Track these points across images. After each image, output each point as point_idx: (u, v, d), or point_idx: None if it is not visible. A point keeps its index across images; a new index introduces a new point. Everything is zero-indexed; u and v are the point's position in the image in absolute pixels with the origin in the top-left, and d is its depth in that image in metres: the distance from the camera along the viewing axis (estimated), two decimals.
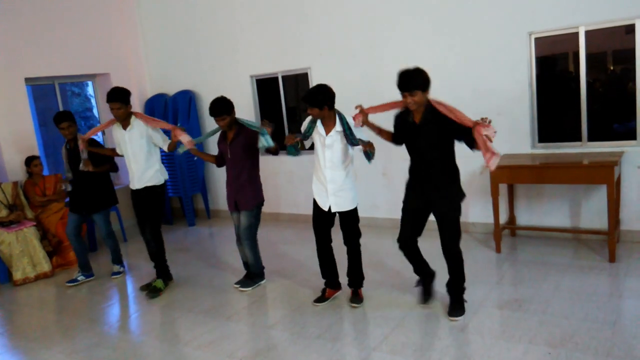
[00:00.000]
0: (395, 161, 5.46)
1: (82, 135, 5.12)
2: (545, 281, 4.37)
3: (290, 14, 6.64)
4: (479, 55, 5.46)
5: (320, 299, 4.37)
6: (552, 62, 5.45)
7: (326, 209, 4.13)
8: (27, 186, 6.26)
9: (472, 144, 3.51)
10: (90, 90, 8.64)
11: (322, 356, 3.57)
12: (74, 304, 5.11)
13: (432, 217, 3.85)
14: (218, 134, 4.83)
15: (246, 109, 7.25)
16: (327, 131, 4.02)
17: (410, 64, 5.83)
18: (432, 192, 3.72)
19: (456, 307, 3.88)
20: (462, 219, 5.87)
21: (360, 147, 3.90)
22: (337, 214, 4.17)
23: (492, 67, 5.42)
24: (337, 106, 6.40)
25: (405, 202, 3.89)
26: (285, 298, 4.64)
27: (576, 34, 5.02)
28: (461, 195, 3.79)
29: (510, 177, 5.09)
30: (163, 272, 5.18)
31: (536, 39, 5.23)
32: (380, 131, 3.99)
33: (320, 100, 3.91)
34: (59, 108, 7.15)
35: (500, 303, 4.05)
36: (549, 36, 5.19)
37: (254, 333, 4.05)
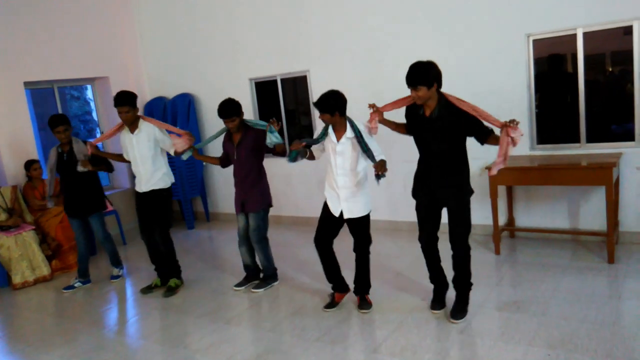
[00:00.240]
0: (395, 162, 5.46)
1: (91, 142, 5.15)
2: (544, 283, 4.37)
3: (289, 17, 6.65)
4: (478, 57, 5.47)
5: (331, 305, 4.32)
6: (551, 63, 5.46)
7: (337, 215, 4.09)
8: (26, 190, 6.26)
9: (483, 139, 3.53)
10: (89, 93, 8.64)
11: (322, 359, 3.56)
12: (73, 308, 5.10)
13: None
14: (223, 136, 4.82)
15: (245, 112, 7.23)
16: (338, 138, 3.99)
17: (407, 66, 5.89)
18: (438, 185, 3.70)
19: (459, 308, 3.86)
20: None
21: (371, 163, 3.85)
22: (347, 220, 4.10)
23: (491, 69, 5.43)
24: None
25: (415, 198, 3.90)
26: (285, 301, 4.64)
27: (574, 36, 5.03)
28: (468, 189, 3.76)
29: (509, 178, 5.10)
30: (176, 271, 5.22)
31: (534, 41, 5.24)
32: (396, 126, 4.01)
33: (331, 106, 3.88)
34: (58, 112, 7.15)
35: (500, 305, 4.05)
36: (547, 38, 5.20)
37: (254, 336, 4.05)
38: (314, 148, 4.16)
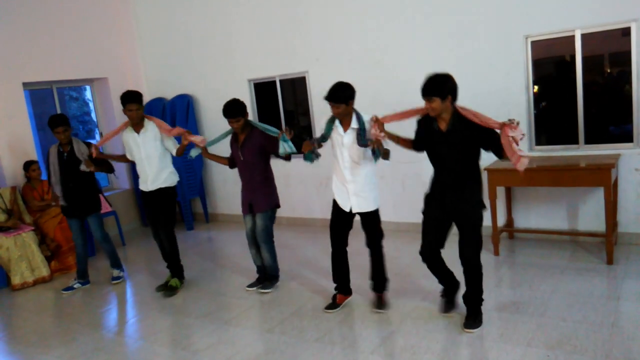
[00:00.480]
0: (394, 164, 5.46)
1: (95, 144, 5.16)
2: (543, 283, 4.38)
3: (287, 18, 6.66)
4: (476, 58, 5.48)
5: (332, 306, 4.31)
6: (549, 65, 5.47)
7: (347, 210, 4.08)
8: (25, 191, 6.26)
9: (500, 152, 3.43)
10: (88, 94, 8.64)
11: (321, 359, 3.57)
12: (72, 309, 5.10)
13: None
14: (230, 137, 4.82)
15: None
16: (345, 129, 3.98)
17: (407, 68, 5.91)
18: (453, 201, 3.62)
19: (472, 319, 3.75)
20: None
21: (369, 146, 3.83)
22: (358, 215, 4.10)
23: (489, 71, 5.44)
24: None
25: (425, 212, 3.79)
26: (284, 302, 4.64)
27: (572, 37, 5.04)
28: (482, 204, 3.65)
29: (508, 180, 5.11)
30: (178, 271, 5.23)
31: (533, 42, 5.25)
32: (398, 140, 3.89)
33: (346, 96, 3.88)
34: (57, 112, 7.15)
35: (499, 306, 4.05)
36: (546, 39, 5.21)
37: (252, 337, 4.05)
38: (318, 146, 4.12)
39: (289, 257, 5.78)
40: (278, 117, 7.00)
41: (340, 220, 4.15)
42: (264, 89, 7.15)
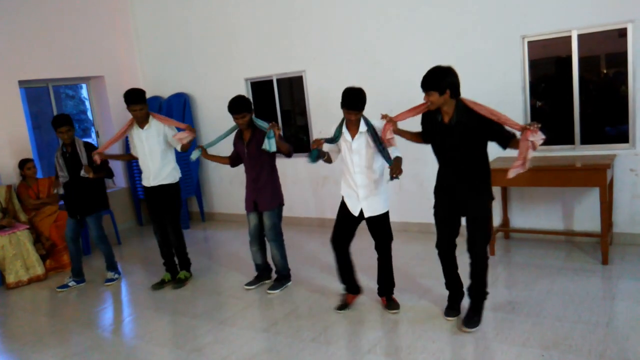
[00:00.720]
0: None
1: (99, 149, 5.16)
2: (538, 283, 4.39)
3: (284, 17, 6.65)
4: (474, 58, 5.48)
5: (343, 306, 4.27)
6: (545, 65, 5.48)
7: (357, 214, 4.04)
8: (20, 189, 6.23)
9: (505, 143, 3.43)
10: (84, 92, 8.60)
11: (317, 359, 3.56)
12: (67, 308, 5.09)
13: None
14: (233, 135, 4.80)
15: None
16: (353, 135, 3.94)
17: (405, 68, 5.91)
18: (461, 193, 3.61)
19: (472, 316, 3.74)
20: None
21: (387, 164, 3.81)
22: (368, 219, 4.06)
23: (486, 71, 5.44)
24: (333, 109, 6.42)
25: (435, 205, 3.80)
26: (279, 301, 4.64)
27: (569, 38, 5.05)
28: (490, 196, 3.66)
29: (504, 180, 5.09)
30: (185, 263, 5.33)
31: (529, 43, 5.26)
32: (410, 136, 3.91)
33: (363, 103, 3.87)
34: (53, 111, 7.14)
35: (494, 305, 4.05)
36: (542, 40, 5.22)
37: (248, 337, 4.04)
38: (330, 150, 4.08)
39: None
40: (275, 116, 6.99)
41: (346, 224, 4.10)
42: (261, 88, 7.14)
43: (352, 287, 4.32)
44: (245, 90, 7.17)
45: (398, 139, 3.86)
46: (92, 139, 8.08)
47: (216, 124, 7.16)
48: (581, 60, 5.06)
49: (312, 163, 4.04)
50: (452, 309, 3.95)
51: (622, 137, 5.04)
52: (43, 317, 4.95)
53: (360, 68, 6.20)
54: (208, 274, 5.58)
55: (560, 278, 4.47)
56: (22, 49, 6.67)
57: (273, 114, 7.00)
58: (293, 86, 7.00)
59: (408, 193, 6.10)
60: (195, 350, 3.89)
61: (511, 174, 3.39)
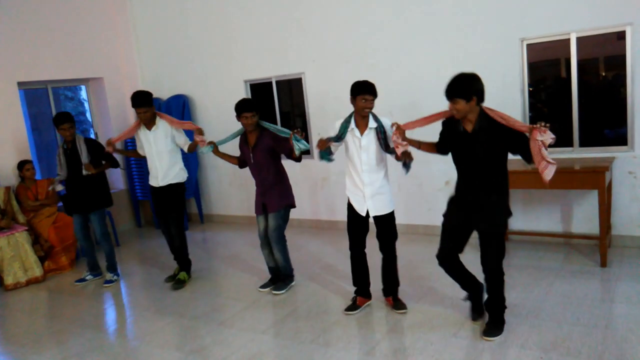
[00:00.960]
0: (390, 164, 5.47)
1: (114, 139, 5.22)
2: (537, 286, 4.39)
3: (284, 19, 6.66)
4: (472, 61, 5.46)
5: (352, 308, 4.25)
6: (544, 68, 5.49)
7: (363, 214, 4.02)
8: (19, 190, 6.23)
9: (529, 157, 3.30)
10: (83, 94, 8.60)
11: None
12: (65, 309, 5.07)
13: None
14: (239, 138, 4.81)
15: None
16: (362, 131, 3.92)
17: (404, 71, 5.91)
18: (478, 206, 3.48)
19: (492, 327, 3.63)
20: None
21: (394, 154, 3.78)
22: (374, 218, 4.04)
23: (485, 73, 5.35)
24: (331, 112, 6.44)
25: (446, 216, 3.68)
26: (279, 303, 4.63)
27: (568, 40, 5.06)
28: (507, 211, 3.56)
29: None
30: (186, 265, 5.38)
31: (528, 45, 5.27)
32: (420, 145, 3.81)
33: (375, 92, 3.90)
34: (52, 112, 7.12)
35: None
36: (541, 42, 5.23)
37: (247, 338, 4.03)
38: (334, 147, 4.05)
39: None
40: (274, 118, 7.00)
41: (357, 223, 4.09)
42: (260, 90, 7.14)
43: (364, 291, 4.29)
44: (244, 92, 7.17)
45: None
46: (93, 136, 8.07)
47: (215, 126, 7.16)
48: (580, 62, 5.07)
49: (329, 162, 4.05)
50: (476, 310, 3.85)
51: (621, 139, 5.05)
52: (41, 319, 4.94)
53: (359, 70, 6.19)
54: (207, 275, 5.57)
55: (559, 280, 4.47)
56: (21, 50, 6.67)
57: (272, 115, 7.00)
58: (292, 88, 7.00)
59: (407, 195, 6.10)
60: (194, 351, 3.88)
61: (547, 177, 3.26)
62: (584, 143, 5.20)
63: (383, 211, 4.02)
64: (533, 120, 5.42)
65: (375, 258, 4.28)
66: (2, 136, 6.45)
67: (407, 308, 4.15)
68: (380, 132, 3.87)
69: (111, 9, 7.77)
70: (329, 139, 3.95)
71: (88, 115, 8.13)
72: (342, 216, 6.67)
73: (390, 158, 4.02)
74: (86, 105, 8.26)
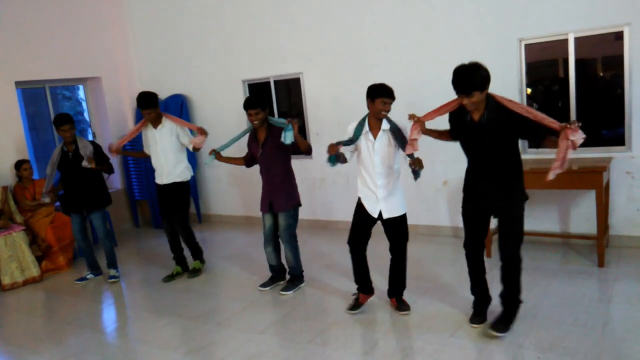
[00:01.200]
0: None
1: (117, 143, 5.35)
2: (534, 286, 4.39)
3: (282, 18, 6.65)
4: (469, 60, 5.48)
5: (355, 306, 4.24)
6: (542, 68, 5.50)
7: (376, 216, 4.00)
8: (16, 190, 6.21)
9: (539, 142, 3.28)
10: (81, 94, 8.58)
11: None
12: (63, 309, 5.07)
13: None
14: (246, 137, 4.80)
15: (238, 114, 7.25)
16: (375, 135, 3.90)
17: (401, 70, 5.91)
18: (493, 193, 3.47)
19: (502, 321, 3.59)
20: (453, 223, 5.94)
21: (407, 160, 3.75)
22: (387, 220, 4.01)
23: None
24: (330, 111, 6.44)
25: (463, 206, 3.69)
26: (277, 303, 4.63)
27: (566, 41, 5.07)
28: (524, 195, 3.52)
29: None
30: (197, 253, 5.57)
31: (526, 45, 5.27)
32: (439, 134, 3.79)
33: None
34: (49, 112, 7.12)
35: (490, 307, 4.04)
36: (539, 42, 5.23)
37: (245, 338, 4.03)
38: (346, 150, 4.02)
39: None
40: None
41: (365, 225, 4.07)
42: (258, 90, 7.13)
43: (366, 288, 4.28)
44: (242, 92, 7.17)
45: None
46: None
47: (214, 126, 7.13)
48: (578, 63, 5.07)
49: (334, 166, 4.03)
50: (478, 315, 3.82)
51: (619, 139, 5.06)
52: (39, 319, 4.93)
53: (357, 70, 6.20)
54: (205, 275, 5.57)
55: (557, 280, 4.47)
56: (19, 50, 6.65)
57: (270, 115, 6.98)
58: (290, 88, 7.00)
59: (405, 194, 6.09)
60: (192, 351, 3.88)
61: (551, 176, 3.22)
62: (581, 143, 5.17)
63: (396, 213, 4.00)
64: None
65: (376, 259, 4.26)
66: (0, 136, 6.43)
67: (410, 310, 4.14)
68: (396, 133, 3.84)
69: (109, 9, 7.75)
70: (339, 143, 3.94)
71: (86, 114, 8.11)
72: (340, 216, 6.71)
73: (402, 162, 3.98)
74: (84, 104, 8.24)
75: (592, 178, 4.59)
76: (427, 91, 5.62)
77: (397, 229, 4.05)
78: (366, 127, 3.92)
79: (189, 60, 7.57)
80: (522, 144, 5.39)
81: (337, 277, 5.04)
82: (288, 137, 4.28)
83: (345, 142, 3.95)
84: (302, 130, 6.92)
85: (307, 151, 4.45)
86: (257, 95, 4.60)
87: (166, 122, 5.17)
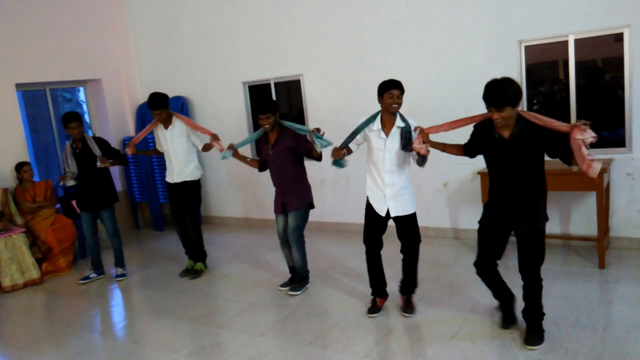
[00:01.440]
0: None
1: (133, 140, 5.42)
2: None
3: (282, 21, 6.66)
4: (470, 63, 5.50)
5: (374, 310, 4.20)
6: (542, 70, 5.50)
7: (383, 215, 3.98)
8: (17, 192, 6.21)
9: (569, 158, 3.20)
10: (81, 96, 8.60)
11: None
12: (63, 311, 5.06)
13: None
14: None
15: (238, 116, 7.26)
16: (387, 132, 3.89)
17: (402, 73, 5.91)
18: (517, 212, 3.39)
19: (534, 335, 3.50)
20: (453, 225, 5.94)
21: (413, 151, 3.74)
22: (395, 219, 3.99)
23: (483, 75, 5.34)
24: (328, 113, 6.44)
25: (482, 221, 3.59)
26: (277, 305, 4.63)
27: (566, 42, 5.07)
28: (545, 215, 3.44)
29: None
30: (202, 256, 5.63)
31: (526, 47, 5.28)
32: (444, 147, 3.75)
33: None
34: (50, 114, 7.14)
35: (491, 310, 4.04)
36: (539, 44, 5.24)
37: (245, 340, 4.03)
38: (352, 144, 4.02)
39: (281, 260, 5.75)
40: None
41: (375, 224, 4.05)
42: (258, 92, 7.14)
43: (382, 291, 4.24)
44: (243, 94, 7.17)
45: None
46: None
47: (214, 128, 7.10)
48: (578, 64, 5.07)
49: (341, 168, 4.07)
50: (507, 320, 3.75)
51: (619, 141, 5.06)
52: (39, 321, 4.93)
53: (357, 72, 6.21)
54: (205, 277, 5.56)
55: (557, 282, 4.47)
56: (19, 52, 6.66)
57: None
58: (291, 90, 7.01)
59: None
60: (192, 353, 3.87)
61: (593, 173, 3.11)
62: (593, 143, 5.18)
63: (404, 212, 3.97)
64: None
65: (385, 262, 4.24)
66: (0, 138, 6.44)
67: (414, 314, 4.11)
68: (405, 132, 3.84)
69: (110, 11, 7.77)
70: (343, 146, 3.93)
71: (86, 116, 8.12)
72: (340, 218, 6.71)
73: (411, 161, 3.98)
74: (84, 107, 8.25)
75: (593, 180, 4.54)
76: (426, 93, 5.63)
77: (407, 228, 4.02)
78: (378, 124, 3.91)
79: (189, 62, 7.58)
80: None
81: (338, 279, 5.04)
82: (326, 142, 4.24)
83: (348, 140, 3.95)
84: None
85: (319, 158, 4.47)
86: (269, 100, 4.61)
87: (176, 123, 5.27)
